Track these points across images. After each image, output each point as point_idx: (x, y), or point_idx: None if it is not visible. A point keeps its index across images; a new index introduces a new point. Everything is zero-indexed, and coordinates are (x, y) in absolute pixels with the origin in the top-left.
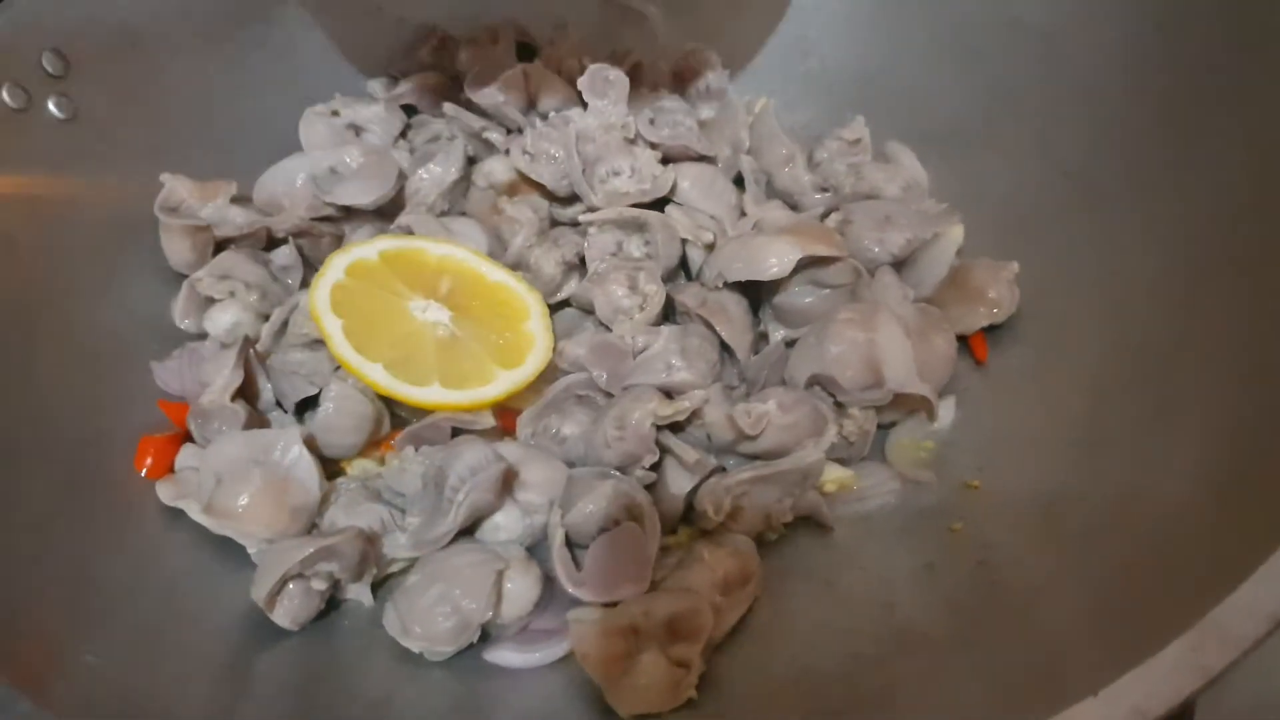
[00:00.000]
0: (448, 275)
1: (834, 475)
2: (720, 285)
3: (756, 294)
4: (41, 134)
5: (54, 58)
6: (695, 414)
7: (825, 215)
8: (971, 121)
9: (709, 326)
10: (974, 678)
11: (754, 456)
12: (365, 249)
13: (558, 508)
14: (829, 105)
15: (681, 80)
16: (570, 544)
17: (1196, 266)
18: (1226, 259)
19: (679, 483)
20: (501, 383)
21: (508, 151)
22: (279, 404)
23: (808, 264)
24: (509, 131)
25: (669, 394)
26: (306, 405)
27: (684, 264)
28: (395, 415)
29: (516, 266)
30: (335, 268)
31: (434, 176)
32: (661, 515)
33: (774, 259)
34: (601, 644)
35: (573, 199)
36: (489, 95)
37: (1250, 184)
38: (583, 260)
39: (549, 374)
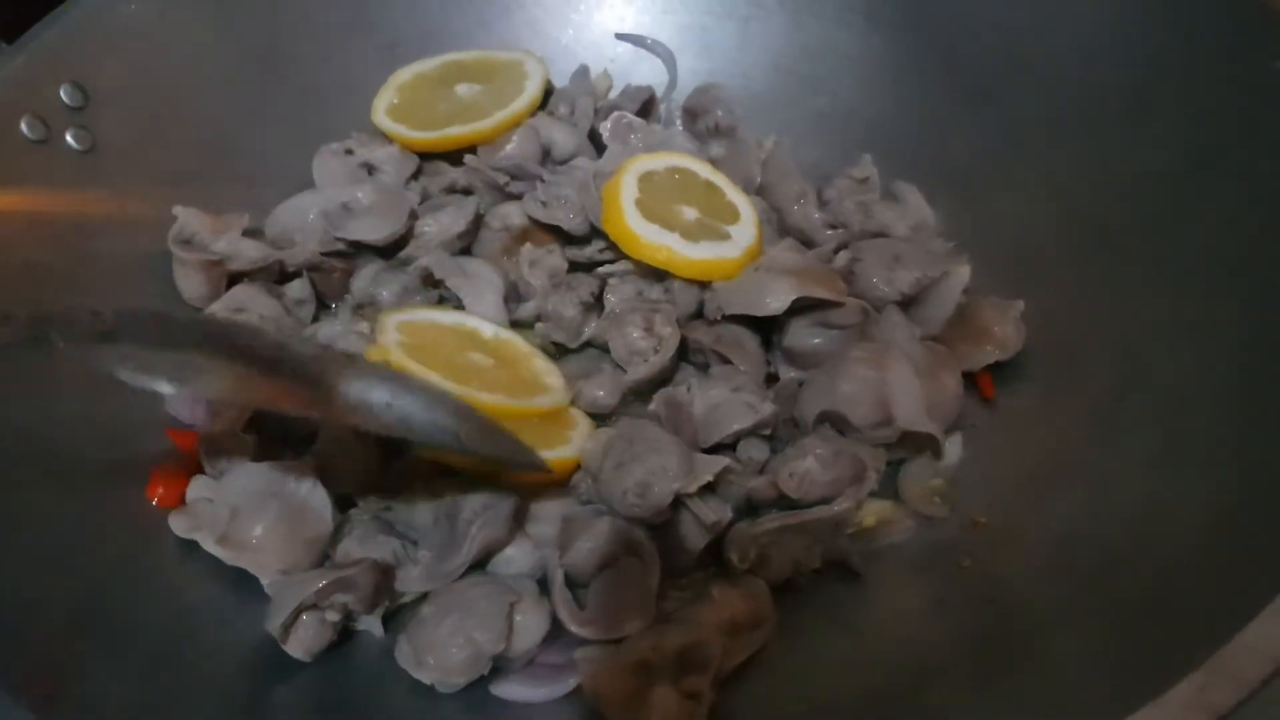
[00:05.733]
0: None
1: (873, 509)
2: (719, 318)
3: (768, 335)
4: (60, 165)
5: (73, 90)
6: (726, 470)
7: (836, 251)
8: (979, 161)
9: (725, 361)
10: (988, 717)
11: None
12: (423, 313)
13: (556, 548)
14: (839, 144)
15: (692, 117)
16: (571, 583)
17: (1204, 306)
18: (1234, 299)
19: (694, 539)
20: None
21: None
22: (289, 434)
23: (815, 305)
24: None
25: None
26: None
27: (701, 311)
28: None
29: (537, 319)
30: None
31: (441, 227)
32: (673, 567)
33: (771, 297)
34: (613, 682)
35: (588, 238)
36: (505, 159)
37: (1259, 224)
38: (598, 298)
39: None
